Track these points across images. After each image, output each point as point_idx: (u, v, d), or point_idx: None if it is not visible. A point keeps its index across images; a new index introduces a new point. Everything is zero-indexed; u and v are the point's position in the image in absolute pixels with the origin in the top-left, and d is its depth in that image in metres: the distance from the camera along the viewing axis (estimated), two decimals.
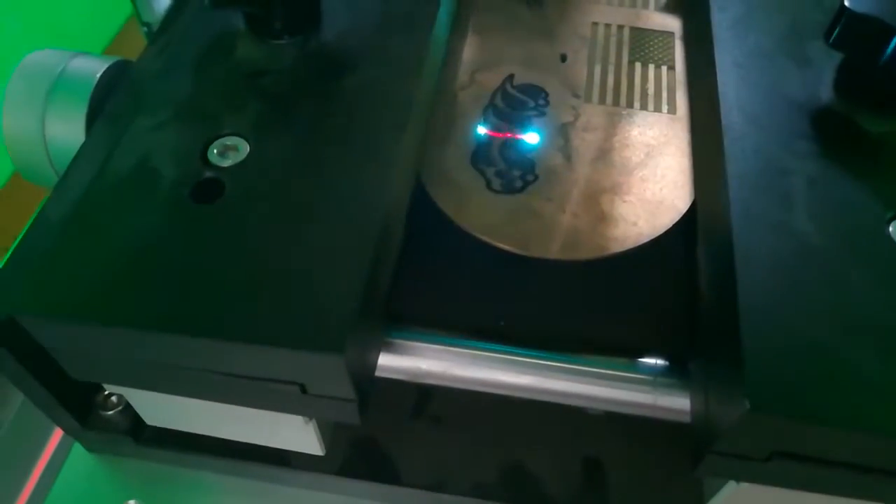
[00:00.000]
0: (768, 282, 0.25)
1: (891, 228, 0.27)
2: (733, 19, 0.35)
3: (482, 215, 0.32)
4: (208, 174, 0.28)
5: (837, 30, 0.30)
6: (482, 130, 0.35)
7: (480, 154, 0.34)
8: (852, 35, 0.30)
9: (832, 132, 0.30)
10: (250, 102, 0.31)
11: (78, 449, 0.37)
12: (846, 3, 0.30)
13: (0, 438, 0.38)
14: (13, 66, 0.35)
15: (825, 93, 0.31)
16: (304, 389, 0.25)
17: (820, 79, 0.32)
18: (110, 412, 0.35)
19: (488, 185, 0.33)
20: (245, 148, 0.29)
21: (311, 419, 0.30)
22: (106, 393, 0.35)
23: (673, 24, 0.41)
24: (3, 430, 0.38)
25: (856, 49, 0.30)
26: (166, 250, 0.26)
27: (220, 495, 0.36)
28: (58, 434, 0.38)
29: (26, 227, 0.27)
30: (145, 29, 0.66)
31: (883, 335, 0.24)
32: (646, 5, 0.42)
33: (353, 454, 0.34)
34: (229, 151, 0.29)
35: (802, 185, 0.28)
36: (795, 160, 0.29)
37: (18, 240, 0.27)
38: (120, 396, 0.35)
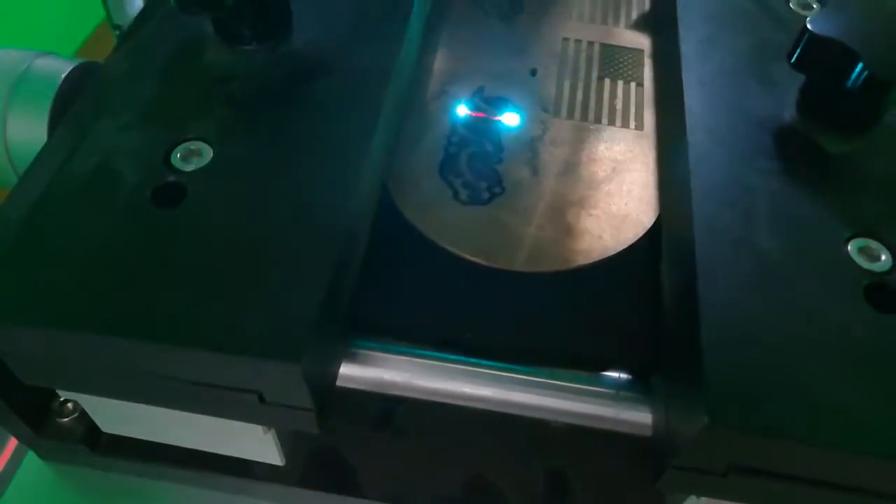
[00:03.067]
0: (729, 297, 0.25)
1: (849, 247, 0.27)
2: (700, 39, 0.35)
3: (449, 226, 0.32)
4: (170, 178, 0.28)
5: (799, 51, 0.31)
6: (450, 141, 0.35)
7: (448, 165, 0.34)
8: (813, 57, 0.30)
9: (794, 151, 0.30)
10: (216, 108, 0.30)
11: (31, 458, 0.36)
12: (808, 26, 0.30)
13: None
14: None
15: (788, 112, 0.32)
16: (261, 398, 0.25)
17: (783, 99, 0.32)
18: (65, 419, 0.34)
19: (455, 195, 0.33)
20: (209, 153, 0.29)
21: (270, 429, 0.29)
22: (61, 399, 0.34)
23: (643, 41, 0.41)
24: None
25: (817, 70, 0.31)
26: (124, 254, 0.25)
27: None
28: (12, 443, 0.37)
29: None
30: (117, 32, 0.65)
31: (840, 352, 0.24)
32: (616, 23, 0.42)
33: (314, 465, 0.34)
34: (193, 156, 0.28)
35: (764, 202, 0.28)
36: (758, 178, 0.29)
37: None
38: (76, 403, 0.34)
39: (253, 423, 0.28)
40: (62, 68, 0.35)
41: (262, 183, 0.28)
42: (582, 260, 0.31)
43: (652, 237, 0.32)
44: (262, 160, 0.28)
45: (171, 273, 0.25)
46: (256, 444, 0.30)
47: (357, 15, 0.34)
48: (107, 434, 0.34)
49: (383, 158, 0.32)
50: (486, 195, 0.33)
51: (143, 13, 0.36)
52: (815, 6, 0.36)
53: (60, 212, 0.27)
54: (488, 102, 0.37)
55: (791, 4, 0.37)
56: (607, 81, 0.39)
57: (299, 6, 0.34)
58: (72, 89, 0.34)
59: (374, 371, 0.31)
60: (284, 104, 0.30)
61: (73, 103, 0.31)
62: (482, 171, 0.34)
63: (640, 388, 0.30)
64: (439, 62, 0.39)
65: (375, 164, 0.30)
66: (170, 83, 0.31)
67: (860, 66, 0.29)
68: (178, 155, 0.28)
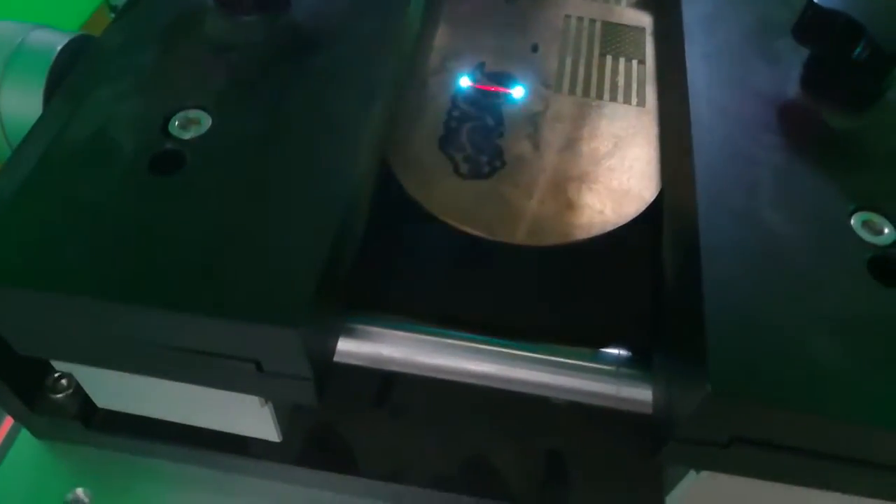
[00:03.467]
0: (732, 269, 0.25)
1: (853, 221, 0.27)
2: (704, 15, 0.35)
3: (449, 199, 0.32)
4: (168, 146, 0.27)
5: (804, 24, 0.30)
6: (451, 116, 0.35)
7: (449, 139, 0.34)
8: (818, 29, 0.30)
9: (798, 126, 0.30)
10: (215, 77, 0.30)
11: (25, 436, 0.36)
12: None
13: None
14: None
15: (792, 87, 0.32)
16: (259, 367, 0.24)
17: (788, 74, 0.32)
18: (59, 395, 0.34)
19: (456, 169, 0.33)
20: (207, 121, 0.28)
21: (267, 402, 0.29)
22: (56, 375, 0.34)
23: (645, 20, 0.41)
24: None
25: (822, 44, 0.31)
26: (122, 220, 0.25)
27: (172, 484, 0.35)
28: (7, 422, 0.36)
29: None
30: (113, 16, 0.65)
31: (842, 323, 0.24)
32: (618, 1, 0.42)
33: (311, 443, 0.34)
34: (191, 124, 0.28)
35: (768, 176, 0.28)
36: (762, 152, 0.29)
37: None
38: (70, 379, 0.34)
39: (251, 393, 0.28)
40: (58, 41, 0.34)
41: (261, 152, 0.27)
42: (582, 234, 0.31)
43: (653, 212, 0.32)
44: (261, 129, 0.28)
45: (170, 239, 0.24)
46: (253, 418, 0.30)
47: None
48: (101, 410, 0.33)
49: (383, 131, 0.32)
50: (486, 169, 0.33)
51: None
52: None
53: (56, 177, 0.26)
54: (490, 77, 0.37)
55: None
56: (609, 59, 0.38)
57: None
58: (68, 62, 0.34)
59: (371, 346, 0.30)
60: (285, 74, 0.30)
61: (68, 75, 0.31)
62: (483, 145, 0.34)
63: (641, 365, 0.30)
64: (441, 37, 0.39)
65: (375, 136, 0.30)
66: (168, 53, 0.31)
67: (865, 39, 0.29)
68: (177, 123, 0.28)
